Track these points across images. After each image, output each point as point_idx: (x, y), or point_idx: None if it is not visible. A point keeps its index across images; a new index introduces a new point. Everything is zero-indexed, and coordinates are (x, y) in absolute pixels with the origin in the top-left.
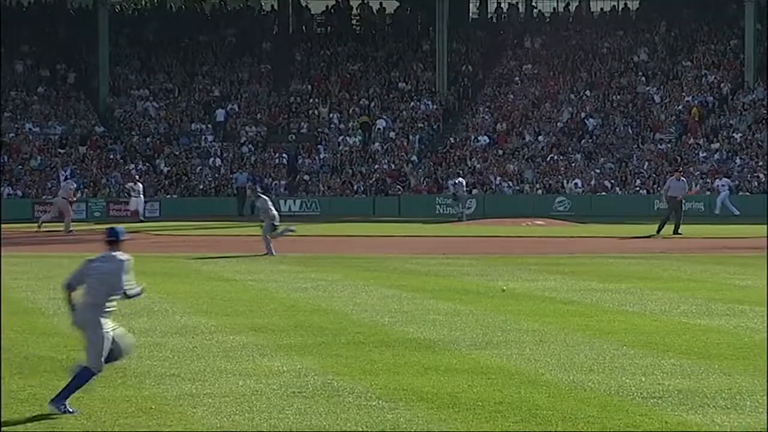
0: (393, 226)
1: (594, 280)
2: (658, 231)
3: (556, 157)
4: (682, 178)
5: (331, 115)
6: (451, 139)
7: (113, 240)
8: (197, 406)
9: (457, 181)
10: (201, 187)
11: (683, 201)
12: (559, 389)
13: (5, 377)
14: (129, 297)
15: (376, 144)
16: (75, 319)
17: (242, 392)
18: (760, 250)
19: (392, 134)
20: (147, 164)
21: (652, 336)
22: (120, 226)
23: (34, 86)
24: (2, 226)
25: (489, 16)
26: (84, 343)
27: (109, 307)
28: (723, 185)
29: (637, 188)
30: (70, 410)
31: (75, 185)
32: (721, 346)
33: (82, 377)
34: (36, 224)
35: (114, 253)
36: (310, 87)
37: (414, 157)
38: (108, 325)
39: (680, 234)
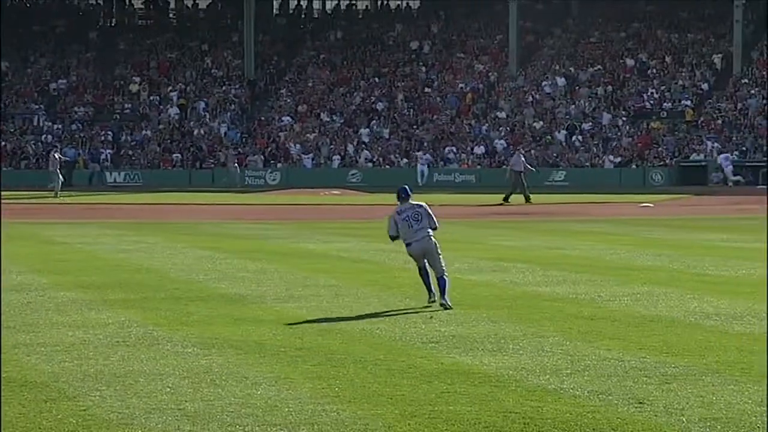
0: (207, 196)
1: (382, 242)
2: (505, 199)
3: (349, 135)
4: (521, 155)
5: (152, 97)
6: (259, 119)
7: (406, 196)
8: (31, 354)
9: (228, 155)
10: (34, 160)
11: (523, 174)
12: (352, 336)
13: None
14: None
15: (192, 122)
16: (414, 252)
17: (72, 341)
18: (522, 215)
19: (206, 114)
20: None
21: None
22: (407, 186)
23: None
24: None
25: (290, 11)
26: (430, 263)
27: (430, 235)
28: (725, 159)
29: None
30: (450, 306)
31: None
32: (489, 298)
33: (444, 282)
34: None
35: (411, 202)
36: (132, 72)
37: (224, 135)
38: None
39: (531, 203)
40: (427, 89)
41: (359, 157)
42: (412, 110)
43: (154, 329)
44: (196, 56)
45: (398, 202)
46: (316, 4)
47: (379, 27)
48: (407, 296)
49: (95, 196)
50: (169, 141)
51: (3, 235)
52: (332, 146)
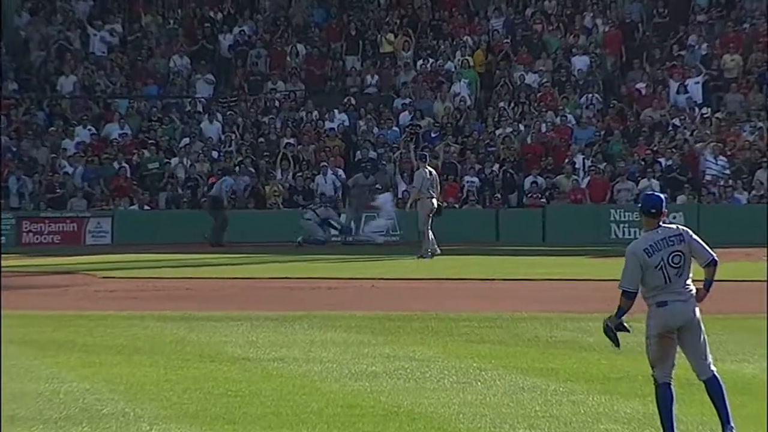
0: (530, 260)
1: None
2: None
3: None
4: None
5: (419, 60)
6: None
7: (656, 213)
8: None
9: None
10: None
11: None
12: None
13: None
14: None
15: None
16: (669, 322)
17: None
18: None
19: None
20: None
21: None
22: (659, 194)
23: None
24: None
25: None
26: (686, 346)
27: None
28: None
29: None
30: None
31: None
32: None
33: (721, 388)
34: None
35: (666, 227)
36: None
37: (575, 141)
38: None
39: None
40: None
41: None
42: None
43: None
44: None
45: (642, 221)
46: None
47: None
48: None
49: (315, 263)
50: (461, 141)
51: (122, 342)
52: None
